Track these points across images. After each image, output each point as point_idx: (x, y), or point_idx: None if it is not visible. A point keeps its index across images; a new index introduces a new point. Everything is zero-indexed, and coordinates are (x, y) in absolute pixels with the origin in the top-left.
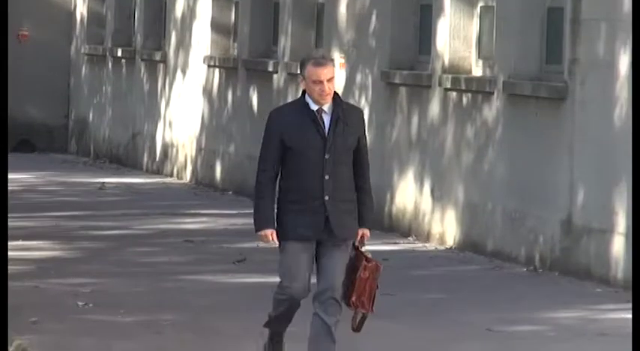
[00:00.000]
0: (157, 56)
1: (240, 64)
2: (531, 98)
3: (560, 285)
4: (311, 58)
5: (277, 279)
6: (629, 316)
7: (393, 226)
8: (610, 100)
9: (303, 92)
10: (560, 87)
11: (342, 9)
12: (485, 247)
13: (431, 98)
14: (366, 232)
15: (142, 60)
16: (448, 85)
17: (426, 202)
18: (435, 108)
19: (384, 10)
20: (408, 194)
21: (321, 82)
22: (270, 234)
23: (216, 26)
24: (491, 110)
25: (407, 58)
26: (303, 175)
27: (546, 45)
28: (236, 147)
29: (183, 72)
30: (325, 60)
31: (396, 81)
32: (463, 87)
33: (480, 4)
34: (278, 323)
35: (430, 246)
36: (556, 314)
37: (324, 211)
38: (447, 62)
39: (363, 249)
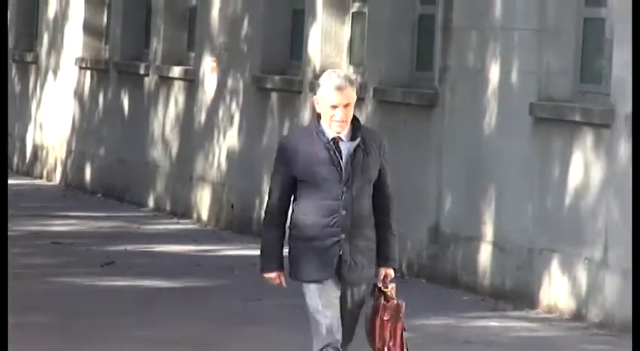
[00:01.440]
0: (29, 57)
1: (112, 67)
2: (401, 105)
3: (426, 292)
4: (329, 77)
5: (146, 281)
6: (495, 323)
7: (261, 231)
8: (479, 108)
9: (318, 116)
10: (430, 94)
11: (215, 13)
12: None
13: (302, 103)
14: (390, 272)
15: (14, 61)
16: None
17: None
18: (305, 113)
19: (257, 14)
20: None
21: (336, 107)
22: (276, 277)
23: (89, 28)
24: (362, 116)
25: (278, 63)
26: (316, 210)
27: (417, 52)
28: (106, 149)
29: (55, 73)
30: (345, 82)
31: (268, 86)
32: None
33: (352, 10)
34: None
35: None
36: (422, 321)
37: (339, 251)
38: (318, 67)
39: (390, 289)
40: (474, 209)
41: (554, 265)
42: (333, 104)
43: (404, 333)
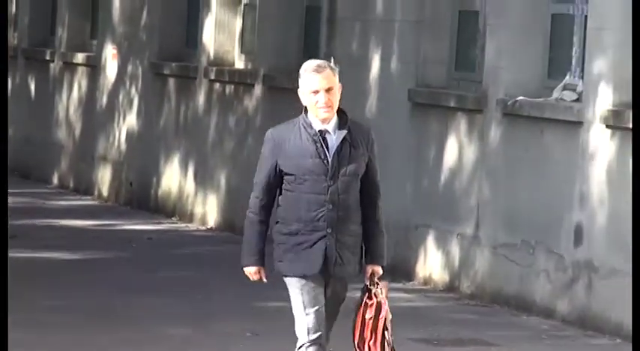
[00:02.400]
0: None
1: (20, 53)
2: (289, 90)
3: None
4: (307, 65)
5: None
6: None
7: (158, 208)
8: (362, 94)
9: (305, 109)
10: None
11: (117, 2)
12: (243, 228)
13: (197, 89)
14: (377, 269)
15: None
16: (213, 77)
17: (190, 185)
18: (200, 98)
19: (155, 4)
20: (173, 178)
21: (318, 91)
22: (255, 272)
23: None
24: (252, 101)
25: (175, 51)
26: (302, 205)
27: (304, 41)
28: (14, 130)
29: None
30: (323, 64)
31: (165, 72)
32: (227, 79)
33: (244, 2)
34: None
35: (192, 226)
36: None
37: (325, 246)
38: (212, 55)
39: (379, 287)
40: None
41: (430, 241)
42: (314, 89)
43: (385, 332)
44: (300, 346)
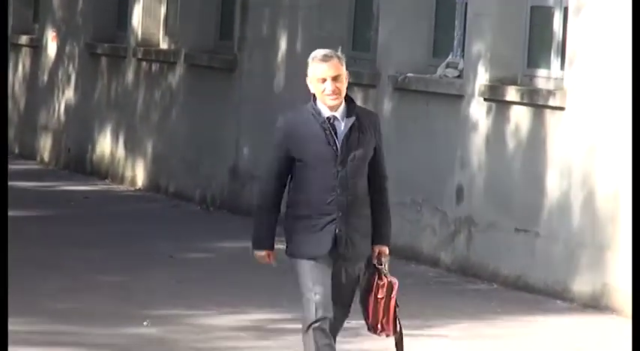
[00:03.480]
0: None
1: None
2: (207, 68)
3: (228, 222)
4: (315, 53)
5: None
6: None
7: (93, 171)
8: (270, 71)
9: (314, 97)
10: (230, 59)
11: None
12: (167, 189)
13: (126, 67)
14: (384, 249)
15: None
16: (140, 56)
17: (121, 151)
18: (129, 75)
19: None
20: (106, 145)
21: (325, 79)
22: (266, 255)
23: None
24: (175, 77)
25: (108, 33)
26: (312, 190)
27: (220, 25)
28: None
29: None
30: (330, 53)
31: (98, 52)
32: (153, 58)
33: None
34: None
35: (123, 187)
36: (224, 244)
37: (335, 229)
38: (139, 37)
39: (385, 267)
40: (265, 153)
41: None
42: (321, 77)
43: (396, 310)
44: (308, 327)
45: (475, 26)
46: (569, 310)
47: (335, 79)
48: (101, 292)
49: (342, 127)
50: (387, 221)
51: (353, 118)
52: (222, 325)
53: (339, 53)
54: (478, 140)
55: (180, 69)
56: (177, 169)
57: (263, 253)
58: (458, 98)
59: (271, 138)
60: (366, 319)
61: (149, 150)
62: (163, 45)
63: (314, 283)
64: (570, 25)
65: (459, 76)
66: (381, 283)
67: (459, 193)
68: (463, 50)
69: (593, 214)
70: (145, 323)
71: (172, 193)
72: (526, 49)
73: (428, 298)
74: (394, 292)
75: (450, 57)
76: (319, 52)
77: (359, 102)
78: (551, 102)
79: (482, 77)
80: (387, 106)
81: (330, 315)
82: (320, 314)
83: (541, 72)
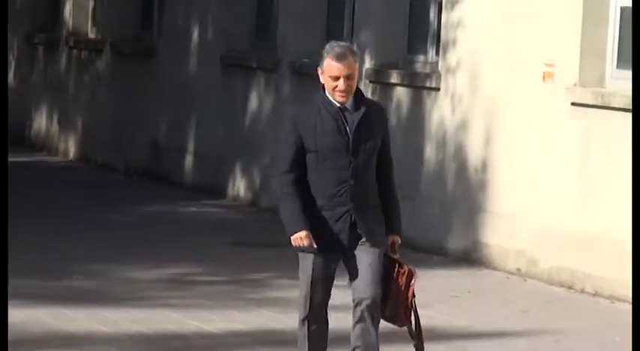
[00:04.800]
0: None
1: None
2: (130, 55)
3: (149, 188)
4: (331, 48)
5: None
6: (196, 209)
7: (31, 144)
8: (185, 57)
9: (323, 87)
10: (150, 47)
11: None
12: (96, 160)
13: (60, 54)
14: (396, 239)
15: None
16: (72, 45)
17: (55, 127)
18: (62, 61)
19: None
20: (42, 122)
21: (338, 78)
22: (306, 236)
23: None
24: (102, 63)
25: (43, 25)
26: (326, 181)
27: (141, 16)
28: None
29: None
30: (346, 52)
31: (36, 41)
32: (82, 46)
33: None
34: None
35: (57, 158)
36: (146, 208)
37: (350, 220)
38: (71, 28)
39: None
40: (181, 128)
41: (237, 169)
42: (335, 75)
43: (414, 300)
44: (303, 320)
45: (362, 17)
46: (444, 264)
47: (348, 77)
48: (38, 251)
49: (352, 117)
50: (397, 210)
51: (363, 109)
52: (144, 278)
53: (354, 48)
54: None
55: (106, 56)
56: (104, 142)
57: (304, 233)
58: None
59: (188, 115)
60: (384, 309)
61: (79, 126)
62: (91, 35)
63: (315, 279)
64: (444, 17)
65: None
66: (402, 271)
67: None
68: (352, 38)
69: (465, 182)
70: (77, 277)
71: (100, 164)
72: (406, 37)
73: None
74: (413, 281)
75: None
76: (335, 49)
77: (262, 86)
78: (428, 84)
79: (369, 62)
80: (286, 88)
81: (325, 310)
82: (316, 310)
83: (419, 57)
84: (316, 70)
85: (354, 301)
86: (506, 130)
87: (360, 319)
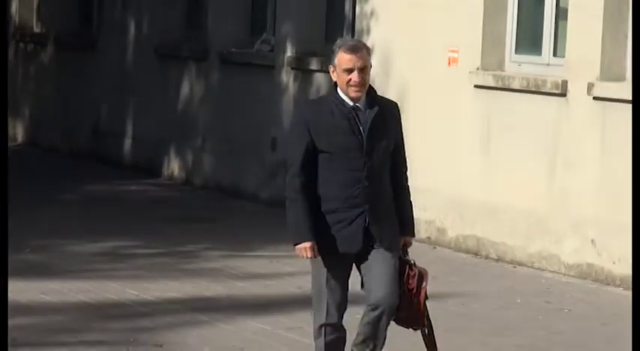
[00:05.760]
0: None
1: None
2: (72, 47)
3: (91, 169)
4: (343, 42)
5: None
6: (134, 187)
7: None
8: (123, 49)
9: (335, 85)
10: (90, 40)
11: None
12: (42, 144)
13: (8, 48)
14: (409, 240)
15: None
16: (18, 39)
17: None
18: (10, 54)
19: None
20: None
21: (352, 70)
22: (309, 247)
23: None
24: (47, 56)
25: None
26: (339, 182)
27: (82, 11)
28: None
29: None
30: (359, 44)
31: None
32: (28, 40)
33: None
34: None
35: (11, 144)
36: (90, 187)
37: (364, 222)
38: (17, 23)
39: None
40: (121, 114)
41: (172, 150)
42: (348, 67)
43: (426, 302)
44: (320, 327)
45: (283, 10)
46: None
47: (362, 70)
48: None
49: (366, 116)
50: (410, 211)
51: (376, 108)
52: (87, 252)
53: (366, 44)
54: (287, 101)
55: (50, 48)
56: (50, 127)
57: (308, 244)
58: (271, 68)
59: (126, 102)
60: (398, 311)
61: (27, 113)
62: (36, 29)
63: (330, 284)
64: (358, 8)
65: (271, 50)
66: (412, 273)
67: (273, 143)
68: (274, 30)
69: None
70: (26, 250)
71: (46, 147)
72: (324, 28)
73: (256, 227)
74: (425, 283)
75: (264, 35)
76: (347, 42)
77: (193, 74)
78: None
79: (290, 51)
80: (215, 75)
81: (341, 318)
82: (332, 317)
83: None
84: (328, 69)
85: (369, 305)
86: (417, 111)
87: (374, 322)
